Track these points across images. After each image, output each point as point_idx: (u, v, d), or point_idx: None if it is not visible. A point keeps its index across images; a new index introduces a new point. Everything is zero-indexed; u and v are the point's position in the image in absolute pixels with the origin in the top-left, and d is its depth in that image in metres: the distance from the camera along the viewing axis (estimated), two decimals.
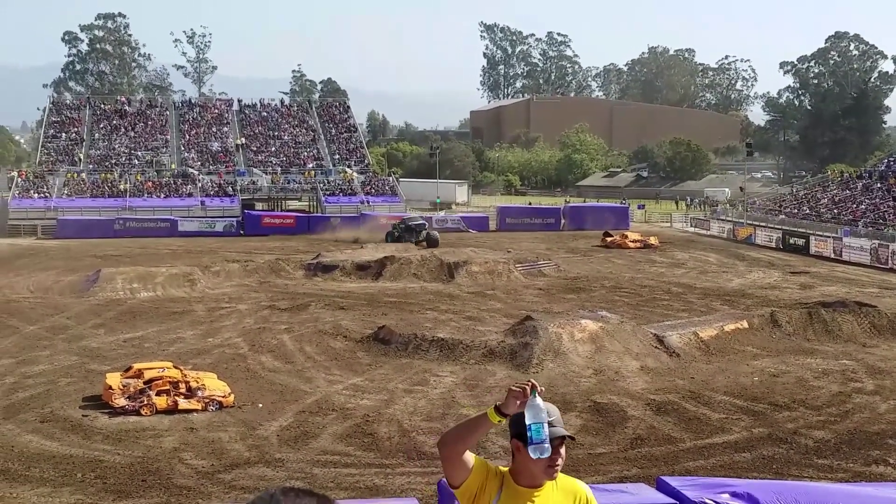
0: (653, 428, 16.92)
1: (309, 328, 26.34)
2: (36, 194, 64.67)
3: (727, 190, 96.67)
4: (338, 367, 21.90)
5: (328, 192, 70.02)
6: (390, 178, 77.51)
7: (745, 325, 24.79)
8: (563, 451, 3.98)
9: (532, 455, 3.81)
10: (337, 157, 78.01)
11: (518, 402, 3.83)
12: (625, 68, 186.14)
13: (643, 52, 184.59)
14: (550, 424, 3.88)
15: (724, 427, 16.91)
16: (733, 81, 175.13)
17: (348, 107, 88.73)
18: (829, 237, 50.10)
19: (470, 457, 3.98)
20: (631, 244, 50.39)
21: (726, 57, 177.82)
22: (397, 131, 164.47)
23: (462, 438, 3.94)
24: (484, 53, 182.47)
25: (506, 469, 4.09)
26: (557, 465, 3.98)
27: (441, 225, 61.90)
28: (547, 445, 3.81)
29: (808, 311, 25.96)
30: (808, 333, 24.75)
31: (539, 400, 3.83)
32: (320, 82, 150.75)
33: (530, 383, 3.82)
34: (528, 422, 3.79)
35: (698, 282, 37.38)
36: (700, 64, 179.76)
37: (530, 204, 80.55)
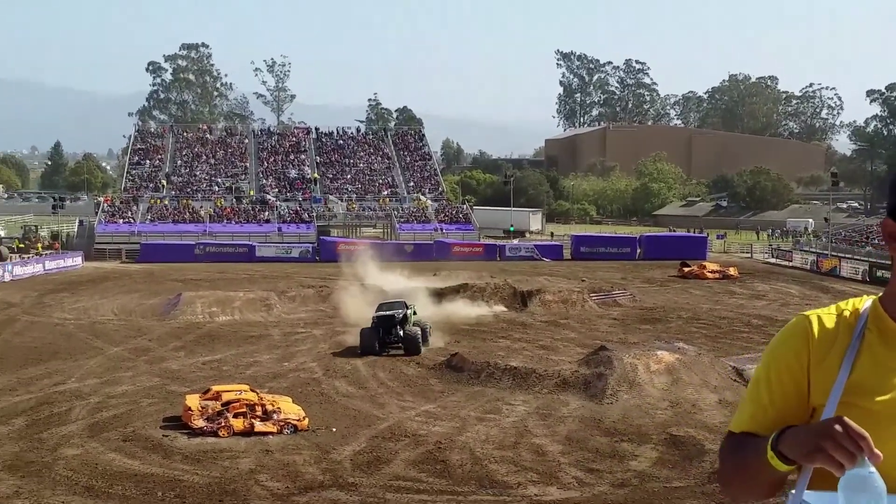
0: None
1: (382, 354, 26.49)
2: (121, 219, 66.57)
3: (811, 220, 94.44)
4: (410, 393, 21.98)
5: (402, 220, 70.59)
6: (464, 206, 77.76)
7: None
8: None
9: None
10: (411, 184, 78.65)
11: (831, 464, 1.83)
12: (705, 96, 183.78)
13: (724, 80, 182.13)
14: None
15: None
16: (818, 110, 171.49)
17: (423, 135, 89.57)
18: None
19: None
20: (709, 274, 49.51)
21: (811, 85, 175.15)
22: (471, 159, 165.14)
23: (744, 489, 2.23)
24: (560, 81, 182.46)
25: (871, 300, 2.14)
26: None
27: (514, 253, 61.88)
28: None
29: None
30: None
31: (873, 472, 1.80)
32: (396, 110, 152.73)
33: (864, 439, 1.80)
34: None
35: (779, 314, 36.50)
36: (783, 92, 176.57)
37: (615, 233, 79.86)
